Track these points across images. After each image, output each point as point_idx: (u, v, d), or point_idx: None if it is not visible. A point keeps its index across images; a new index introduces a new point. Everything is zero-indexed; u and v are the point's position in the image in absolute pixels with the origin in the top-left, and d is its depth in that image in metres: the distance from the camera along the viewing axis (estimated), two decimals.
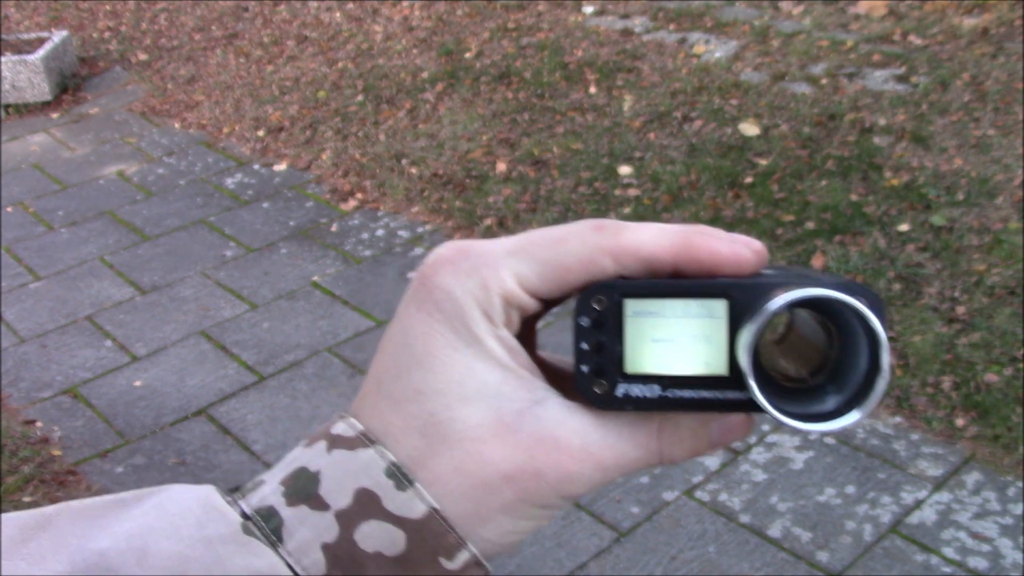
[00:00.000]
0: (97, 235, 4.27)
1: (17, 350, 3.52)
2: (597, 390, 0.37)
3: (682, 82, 4.78)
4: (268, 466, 2.69)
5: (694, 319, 0.36)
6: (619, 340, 0.37)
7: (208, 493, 0.36)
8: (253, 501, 0.36)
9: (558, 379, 0.39)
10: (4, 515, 0.35)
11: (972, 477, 2.67)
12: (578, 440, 0.36)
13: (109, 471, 2.93)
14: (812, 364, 0.38)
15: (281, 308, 3.67)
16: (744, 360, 0.35)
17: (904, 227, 3.61)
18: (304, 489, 0.35)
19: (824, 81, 4.64)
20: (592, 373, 0.37)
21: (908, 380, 2.99)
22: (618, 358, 0.37)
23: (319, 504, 0.35)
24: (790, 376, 0.38)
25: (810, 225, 3.69)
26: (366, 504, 0.35)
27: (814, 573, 2.44)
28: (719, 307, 0.36)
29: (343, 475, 0.35)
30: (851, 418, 0.35)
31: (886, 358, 0.34)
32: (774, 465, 2.75)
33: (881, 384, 0.35)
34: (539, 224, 3.91)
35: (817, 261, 3.49)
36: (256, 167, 4.76)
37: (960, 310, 3.20)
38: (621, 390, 0.37)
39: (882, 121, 4.26)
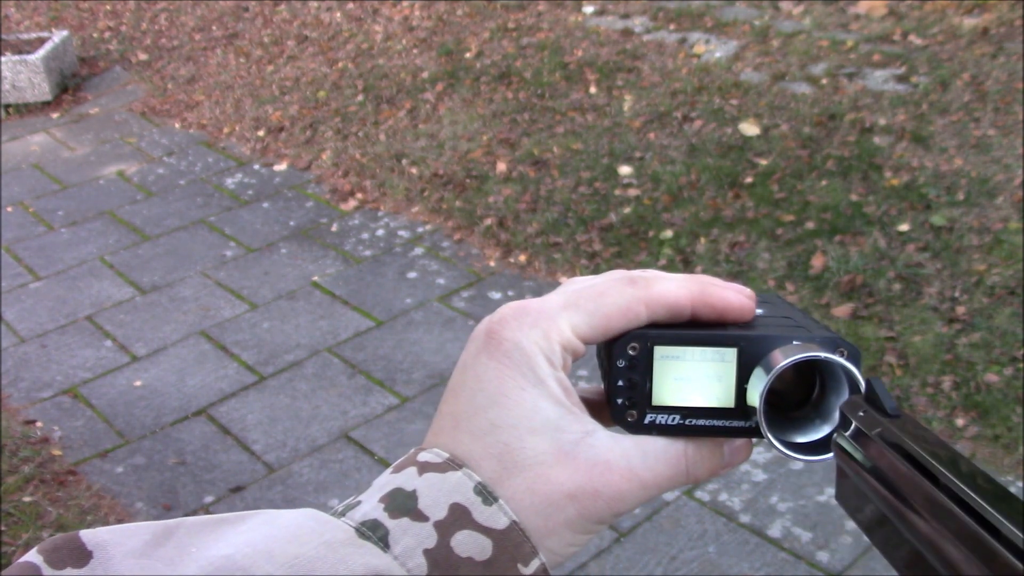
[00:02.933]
0: (97, 235, 4.27)
1: (17, 350, 3.52)
2: (629, 418, 0.45)
3: (682, 82, 4.78)
4: (268, 466, 2.68)
5: (709, 362, 0.45)
6: (649, 378, 0.45)
7: (312, 511, 0.41)
8: (356, 516, 0.40)
9: (588, 406, 0.45)
10: (137, 523, 0.40)
11: None
12: (625, 462, 0.43)
13: (109, 471, 2.93)
14: (798, 397, 0.46)
15: (281, 308, 3.67)
16: (758, 404, 0.42)
17: (904, 227, 3.61)
18: (404, 504, 0.40)
19: (824, 81, 4.64)
20: (625, 405, 0.45)
21: (908, 380, 2.99)
22: (647, 393, 0.45)
23: (419, 517, 0.40)
24: (779, 404, 0.45)
25: (810, 225, 3.69)
26: (459, 516, 0.40)
27: (814, 573, 2.43)
28: (730, 354, 0.45)
29: (438, 493, 0.41)
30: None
31: None
32: (774, 465, 2.75)
33: None
34: (539, 224, 3.92)
35: (817, 261, 3.49)
36: (256, 167, 4.76)
37: (960, 310, 3.20)
38: (649, 418, 0.45)
39: (882, 121, 4.26)
